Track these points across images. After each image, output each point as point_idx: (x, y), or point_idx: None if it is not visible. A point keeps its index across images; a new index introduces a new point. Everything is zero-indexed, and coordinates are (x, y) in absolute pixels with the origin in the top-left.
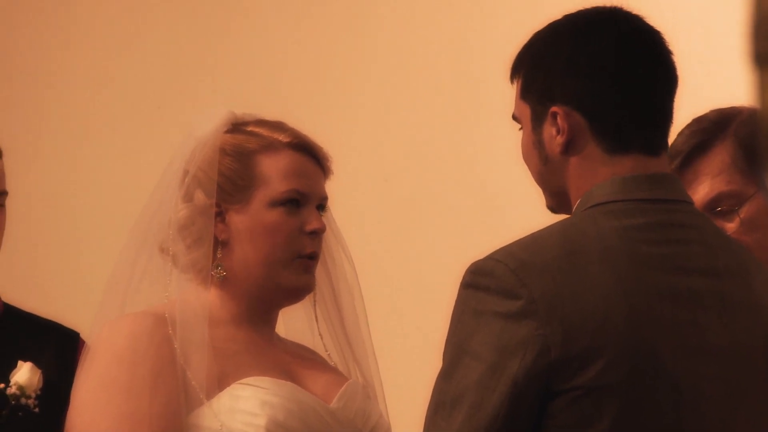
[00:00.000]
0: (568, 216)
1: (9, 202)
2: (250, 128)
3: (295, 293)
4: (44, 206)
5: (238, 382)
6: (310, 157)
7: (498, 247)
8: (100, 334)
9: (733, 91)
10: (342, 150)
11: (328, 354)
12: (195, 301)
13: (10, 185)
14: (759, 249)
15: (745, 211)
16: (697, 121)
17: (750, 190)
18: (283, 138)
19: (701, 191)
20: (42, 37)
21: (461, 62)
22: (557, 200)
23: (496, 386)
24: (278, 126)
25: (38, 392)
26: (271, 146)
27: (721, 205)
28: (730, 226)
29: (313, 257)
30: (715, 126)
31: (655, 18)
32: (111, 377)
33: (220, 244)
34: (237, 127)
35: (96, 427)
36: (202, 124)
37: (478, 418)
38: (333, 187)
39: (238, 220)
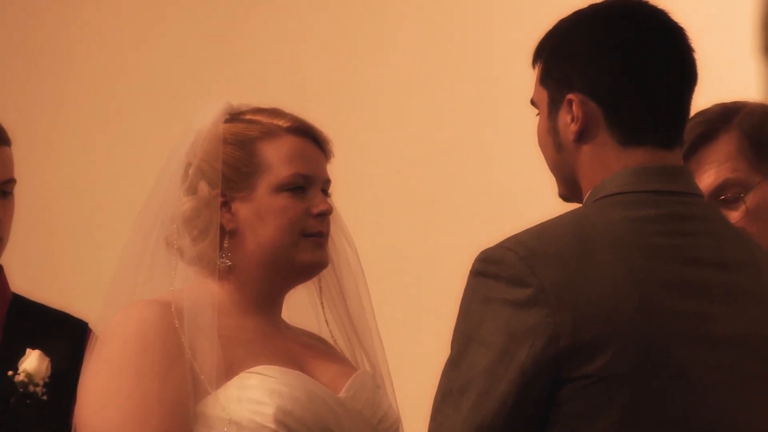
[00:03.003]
0: (579, 205)
1: (21, 193)
2: (248, 116)
3: (310, 269)
4: (56, 197)
5: (246, 371)
6: (311, 140)
7: (507, 237)
8: (109, 322)
9: (746, 85)
10: (356, 141)
11: (335, 340)
12: (202, 291)
13: (24, 176)
14: (764, 238)
15: (750, 200)
16: (701, 114)
17: (755, 178)
18: (282, 123)
19: (706, 179)
20: (57, 29)
21: (477, 54)
22: (569, 189)
23: (505, 374)
24: (276, 112)
25: (46, 380)
26: (271, 132)
27: (726, 193)
28: (735, 215)
29: (322, 235)
30: (720, 117)
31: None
32: (120, 363)
33: (228, 233)
34: (235, 116)
35: (106, 413)
36: (200, 117)
37: (486, 405)
38: (347, 178)
39: (244, 208)
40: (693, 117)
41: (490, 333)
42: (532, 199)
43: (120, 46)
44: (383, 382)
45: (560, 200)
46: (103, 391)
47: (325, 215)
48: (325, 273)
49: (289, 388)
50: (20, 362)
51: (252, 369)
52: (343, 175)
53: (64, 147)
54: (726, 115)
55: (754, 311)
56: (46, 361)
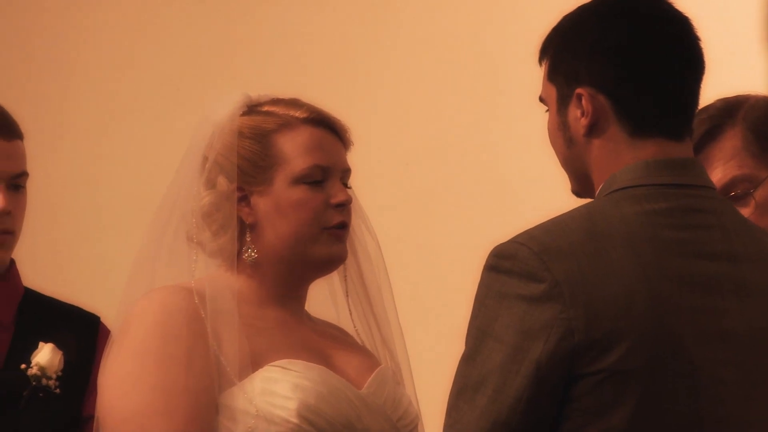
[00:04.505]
0: (590, 200)
1: (31, 188)
2: (265, 108)
3: (329, 264)
4: (66, 192)
5: (271, 364)
6: (329, 130)
7: (517, 232)
8: (132, 309)
9: (752, 77)
10: (362, 135)
11: (356, 330)
12: (223, 280)
13: (34, 170)
14: None
15: (759, 194)
16: (704, 110)
17: (763, 173)
18: (299, 114)
19: (714, 177)
20: (62, 24)
21: (483, 48)
22: (581, 184)
23: (519, 369)
24: (293, 103)
25: (59, 373)
26: (288, 124)
27: (735, 189)
28: (746, 211)
29: (342, 226)
30: (723, 113)
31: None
32: (144, 349)
33: (248, 227)
34: (252, 108)
35: (128, 400)
36: (218, 109)
37: (501, 401)
38: (353, 173)
39: (263, 201)
40: (697, 114)
41: (504, 328)
42: (540, 193)
43: (124, 40)
44: (402, 375)
45: (570, 192)
46: (126, 377)
47: (344, 205)
48: (349, 262)
49: (313, 383)
50: (33, 355)
51: (276, 362)
52: (356, 169)
53: (71, 141)
54: (729, 110)
55: (764, 306)
56: (59, 355)
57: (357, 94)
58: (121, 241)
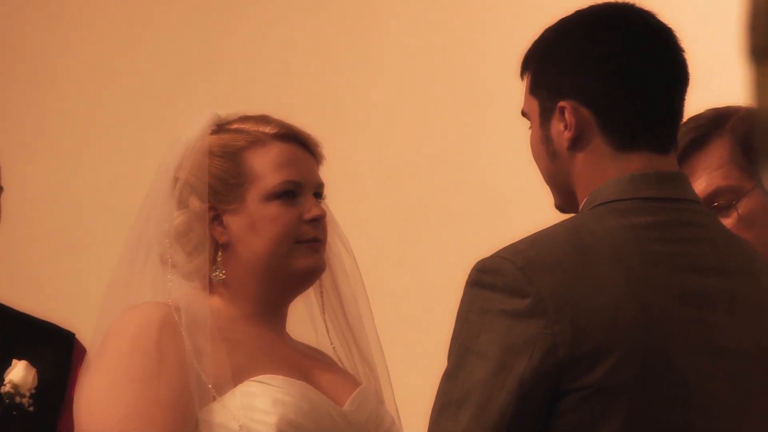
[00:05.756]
0: (574, 215)
1: (7, 202)
2: (235, 126)
3: (307, 275)
4: (42, 206)
5: (251, 379)
6: (299, 145)
7: (501, 247)
8: (110, 325)
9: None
10: (345, 147)
11: (333, 348)
12: (199, 298)
13: (9, 184)
14: (757, 245)
15: (743, 206)
16: (693, 119)
17: (748, 185)
18: (269, 130)
19: (698, 186)
20: (42, 35)
21: (468, 59)
22: (565, 199)
23: (503, 386)
24: (262, 119)
25: (33, 391)
26: (258, 141)
27: (719, 200)
28: (728, 222)
29: (317, 240)
30: (712, 122)
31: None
32: (121, 365)
33: (221, 247)
34: (222, 127)
35: (106, 416)
36: (187, 129)
37: (484, 418)
38: (336, 184)
39: (235, 220)
40: (685, 122)
41: (487, 344)
42: (525, 206)
43: (104, 53)
44: (383, 392)
45: (553, 206)
46: (103, 393)
47: (318, 220)
48: (325, 277)
49: (293, 398)
50: (6, 373)
51: (257, 377)
52: (332, 182)
53: (46, 155)
54: (718, 120)
55: (755, 320)
56: (33, 372)
57: (340, 106)
58: (97, 257)
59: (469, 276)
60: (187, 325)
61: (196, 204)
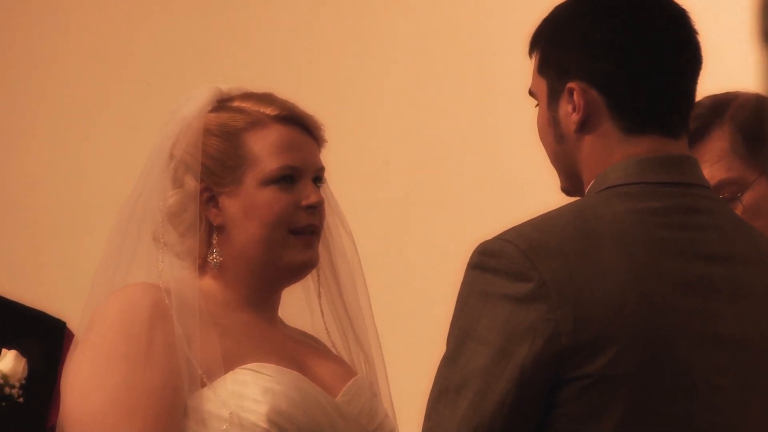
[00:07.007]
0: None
1: (1, 189)
2: (236, 104)
3: (298, 270)
4: (32, 193)
5: (241, 367)
6: (300, 128)
7: (501, 230)
8: (98, 307)
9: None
10: (340, 133)
11: (328, 332)
12: (190, 281)
13: (4, 172)
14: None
15: (747, 198)
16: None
17: (751, 176)
18: (270, 111)
19: None
20: (34, 22)
21: (464, 45)
22: (571, 181)
23: (503, 373)
24: (265, 98)
25: (23, 381)
26: (258, 122)
27: (723, 192)
28: None
29: (312, 231)
30: (711, 112)
31: None
32: (107, 348)
33: (216, 229)
34: (222, 104)
35: (92, 400)
36: (186, 104)
37: (483, 405)
38: (331, 171)
39: (231, 203)
40: None
41: (488, 330)
42: (524, 191)
43: (104, 35)
44: (378, 380)
45: (555, 192)
46: (88, 377)
47: (315, 207)
48: (323, 261)
49: (284, 387)
50: None
51: (247, 365)
52: (329, 168)
53: (37, 142)
54: (717, 109)
55: (760, 309)
56: (23, 362)
57: (336, 91)
58: (89, 244)
59: (471, 258)
60: (177, 308)
61: (191, 183)
